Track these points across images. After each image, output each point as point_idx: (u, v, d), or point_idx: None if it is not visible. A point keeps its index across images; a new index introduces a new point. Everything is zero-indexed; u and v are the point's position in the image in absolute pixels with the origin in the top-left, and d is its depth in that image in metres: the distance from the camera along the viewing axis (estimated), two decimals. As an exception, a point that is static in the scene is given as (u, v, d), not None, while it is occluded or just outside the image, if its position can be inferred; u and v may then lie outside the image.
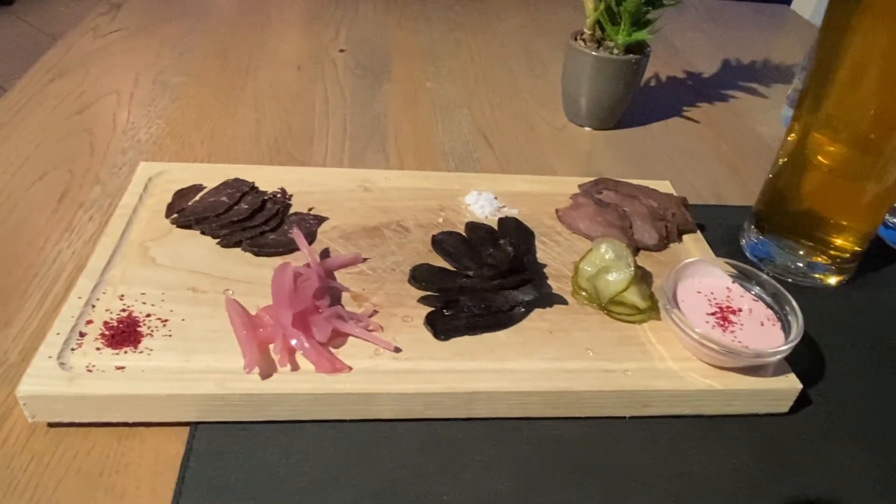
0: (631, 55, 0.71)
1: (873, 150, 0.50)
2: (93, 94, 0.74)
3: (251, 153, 0.67)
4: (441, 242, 0.51)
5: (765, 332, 0.44)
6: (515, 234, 0.53)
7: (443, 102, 0.80)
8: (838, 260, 0.56)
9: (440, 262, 0.50)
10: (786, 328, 0.44)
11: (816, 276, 0.56)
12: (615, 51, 0.71)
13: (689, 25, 1.09)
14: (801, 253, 0.56)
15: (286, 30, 0.96)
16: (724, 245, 0.59)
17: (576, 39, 0.73)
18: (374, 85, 0.83)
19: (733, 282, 0.48)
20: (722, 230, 0.61)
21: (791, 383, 0.43)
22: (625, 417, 0.43)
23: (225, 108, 0.74)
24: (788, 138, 0.55)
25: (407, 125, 0.75)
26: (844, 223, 0.55)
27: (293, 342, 0.40)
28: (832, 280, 0.57)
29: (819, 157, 0.52)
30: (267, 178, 0.57)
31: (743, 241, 0.60)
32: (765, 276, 0.47)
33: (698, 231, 0.57)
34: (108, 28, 0.89)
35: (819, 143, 0.52)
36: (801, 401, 0.44)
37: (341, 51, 0.90)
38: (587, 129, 0.77)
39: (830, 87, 0.50)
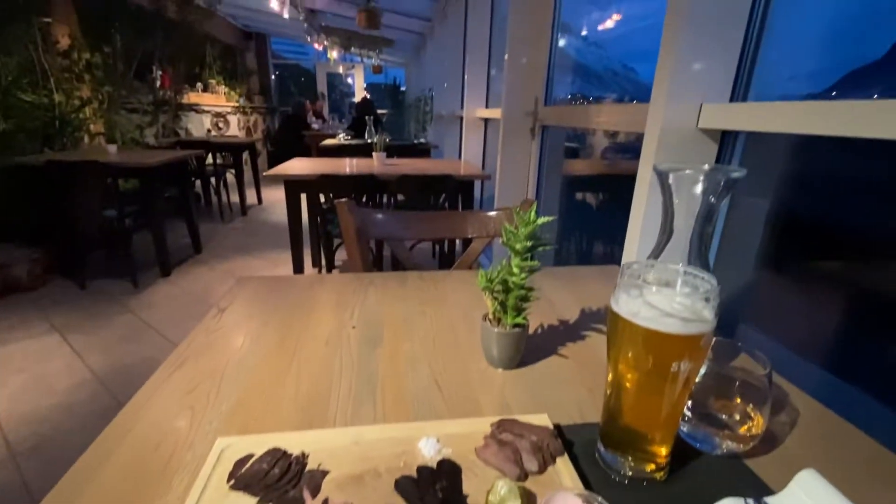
0: (517, 328, 0.78)
1: (649, 379, 0.53)
2: (197, 378, 0.79)
3: (291, 416, 0.69)
4: (399, 484, 0.53)
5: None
6: (448, 473, 0.54)
7: (412, 358, 0.85)
8: (656, 459, 0.57)
9: (400, 500, 0.51)
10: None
11: (646, 472, 0.57)
12: (507, 326, 0.78)
13: (560, 286, 1.19)
14: (629, 458, 0.57)
15: (321, 313, 1.03)
16: (587, 456, 0.60)
17: (485, 320, 0.81)
18: (372, 351, 0.88)
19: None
20: (585, 444, 0.62)
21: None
22: None
23: (277, 381, 0.78)
24: (608, 377, 0.59)
25: (389, 379, 0.79)
26: (653, 433, 0.56)
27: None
28: (658, 475, 0.57)
29: (626, 383, 0.56)
30: (294, 442, 0.59)
31: (596, 454, 0.61)
32: (599, 497, 0.48)
33: (565, 454, 0.58)
34: (215, 327, 0.97)
35: (623, 372, 0.56)
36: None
37: (353, 328, 0.97)
38: (499, 370, 0.82)
39: (612, 343, 0.56)
